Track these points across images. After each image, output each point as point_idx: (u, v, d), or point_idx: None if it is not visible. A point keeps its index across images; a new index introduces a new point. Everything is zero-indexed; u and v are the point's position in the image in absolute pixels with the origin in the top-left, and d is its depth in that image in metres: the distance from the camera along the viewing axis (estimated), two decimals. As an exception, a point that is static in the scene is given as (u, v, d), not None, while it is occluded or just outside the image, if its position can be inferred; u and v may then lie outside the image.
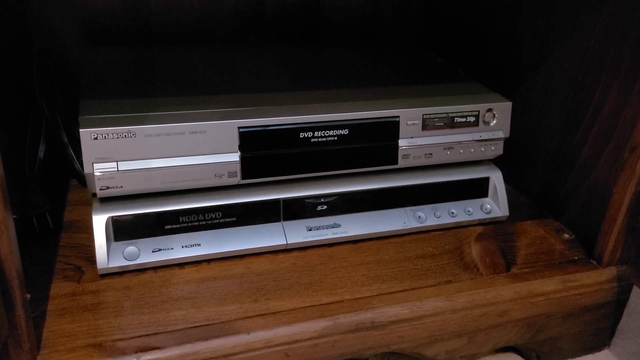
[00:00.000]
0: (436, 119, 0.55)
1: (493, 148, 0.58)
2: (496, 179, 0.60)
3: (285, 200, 0.53)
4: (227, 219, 0.51)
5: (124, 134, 0.46)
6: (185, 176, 0.48)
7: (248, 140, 0.49)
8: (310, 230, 0.54)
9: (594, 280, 0.54)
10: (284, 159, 0.51)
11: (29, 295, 0.39)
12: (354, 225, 0.55)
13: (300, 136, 0.51)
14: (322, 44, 0.77)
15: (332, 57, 0.69)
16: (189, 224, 0.50)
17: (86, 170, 0.46)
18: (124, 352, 0.41)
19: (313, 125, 0.51)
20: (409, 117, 0.54)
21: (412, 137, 0.54)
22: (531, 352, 0.56)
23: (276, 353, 0.45)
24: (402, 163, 0.55)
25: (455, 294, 0.50)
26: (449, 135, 0.56)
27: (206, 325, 0.44)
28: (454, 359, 0.53)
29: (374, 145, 0.54)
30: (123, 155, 0.46)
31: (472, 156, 0.57)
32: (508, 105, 0.57)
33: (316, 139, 0.51)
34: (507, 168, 0.62)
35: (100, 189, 0.46)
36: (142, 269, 0.49)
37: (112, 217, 0.48)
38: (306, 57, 0.68)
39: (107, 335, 0.43)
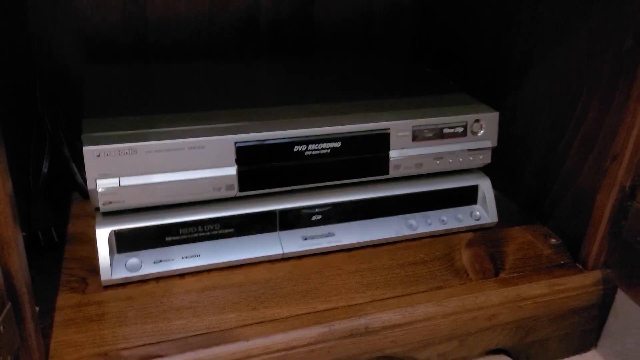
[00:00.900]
0: (425, 131, 0.57)
1: (481, 157, 0.60)
2: (485, 186, 0.62)
3: (281, 211, 0.55)
4: (226, 230, 0.53)
5: (125, 151, 0.47)
6: (185, 190, 0.50)
7: (244, 155, 0.51)
8: (305, 239, 0.56)
9: (579, 284, 0.56)
10: (280, 172, 0.53)
11: (37, 308, 0.41)
12: (347, 234, 0.57)
13: (295, 150, 0.53)
14: (315, 56, 0.79)
15: (324, 70, 0.71)
16: (189, 236, 0.52)
17: (89, 186, 0.48)
18: (128, 361, 0.43)
19: (307, 139, 0.53)
20: (399, 129, 0.56)
21: (402, 148, 0.57)
22: (520, 354, 0.58)
23: (274, 359, 0.47)
24: (393, 173, 0.57)
25: (446, 299, 0.52)
26: (439, 145, 0.58)
27: (207, 333, 0.46)
28: (446, 361, 0.55)
29: (366, 157, 0.56)
30: (125, 171, 0.48)
31: (461, 165, 0.60)
32: (495, 115, 0.59)
33: (310, 152, 0.53)
34: (497, 175, 0.64)
35: (103, 204, 0.48)
36: (144, 280, 0.51)
37: (115, 230, 0.50)
38: (299, 70, 0.70)
39: (112, 345, 0.45)
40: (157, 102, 0.57)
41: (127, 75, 0.65)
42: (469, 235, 0.61)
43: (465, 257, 0.58)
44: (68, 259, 0.54)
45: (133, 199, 0.49)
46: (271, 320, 0.48)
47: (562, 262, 0.59)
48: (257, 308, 0.49)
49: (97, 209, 0.50)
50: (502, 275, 0.56)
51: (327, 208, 0.56)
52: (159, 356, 0.44)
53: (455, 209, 0.61)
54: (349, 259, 0.57)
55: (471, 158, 0.60)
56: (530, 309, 0.55)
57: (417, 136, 0.57)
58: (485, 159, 0.60)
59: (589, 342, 0.60)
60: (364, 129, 0.55)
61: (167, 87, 0.62)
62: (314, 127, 0.53)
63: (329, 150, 0.54)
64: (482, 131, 0.59)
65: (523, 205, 0.68)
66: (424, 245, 0.59)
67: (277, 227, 0.55)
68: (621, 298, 0.58)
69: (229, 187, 0.52)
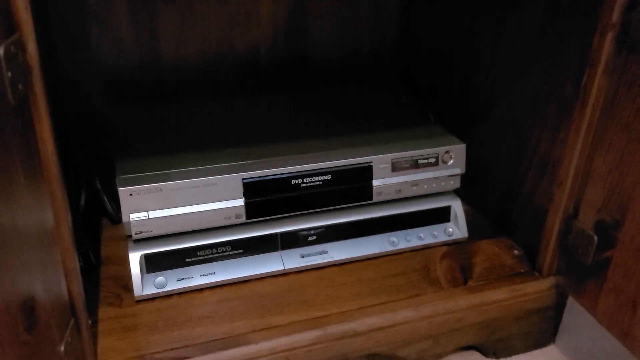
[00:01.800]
0: (403, 162, 0.67)
1: (452, 182, 0.70)
2: (456, 206, 0.72)
3: (282, 234, 0.65)
4: (236, 251, 0.64)
5: (152, 190, 0.58)
6: (201, 219, 0.61)
7: (250, 189, 0.61)
8: (303, 257, 0.66)
9: (536, 289, 0.66)
10: (280, 202, 0.63)
11: (90, 321, 0.51)
12: (339, 251, 0.67)
13: (292, 183, 0.63)
14: (308, 91, 0.88)
15: (316, 106, 0.80)
16: (205, 257, 0.63)
17: (124, 219, 0.58)
18: (161, 362, 0.53)
19: (302, 173, 0.63)
20: (380, 162, 0.66)
21: (383, 178, 0.67)
22: (488, 349, 0.68)
23: (279, 359, 0.57)
24: (376, 198, 0.67)
25: (422, 305, 0.62)
26: (414, 174, 0.68)
27: (223, 338, 0.57)
28: (424, 357, 0.65)
29: (353, 186, 0.66)
30: (152, 206, 0.58)
31: (434, 189, 0.70)
32: (462, 147, 0.69)
33: (305, 184, 0.63)
34: (470, 194, 0.74)
35: (135, 234, 0.59)
36: (169, 295, 0.62)
37: (144, 254, 0.60)
38: (294, 107, 0.80)
39: (146, 349, 0.55)
40: (175, 142, 0.67)
41: (147, 117, 0.75)
42: (444, 249, 0.71)
43: (439, 268, 0.68)
44: (104, 278, 0.64)
45: (159, 228, 0.60)
46: (275, 326, 0.58)
47: (522, 270, 0.69)
48: (264, 316, 0.60)
49: (130, 236, 0.60)
50: (470, 283, 0.66)
51: (320, 230, 0.66)
52: (186, 357, 0.54)
53: (431, 227, 0.71)
54: (341, 273, 0.67)
55: (443, 183, 0.70)
56: (494, 311, 0.65)
57: (395, 167, 0.67)
58: (455, 183, 0.70)
59: (547, 338, 0.70)
60: (350, 163, 0.65)
61: (183, 127, 0.72)
62: (307, 164, 0.63)
63: (321, 182, 0.64)
64: (451, 161, 0.69)
65: (493, 220, 0.78)
66: (404, 259, 0.69)
67: (279, 247, 0.65)
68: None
69: (238, 216, 0.62)
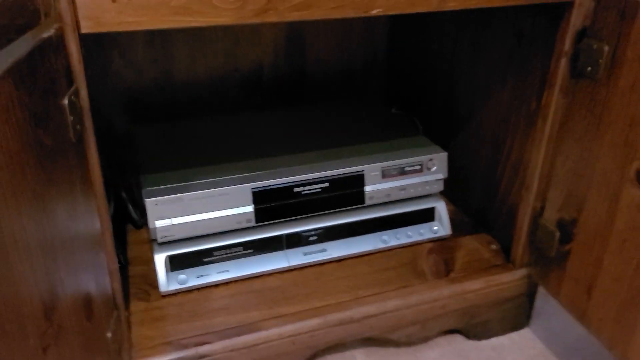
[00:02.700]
0: (391, 169, 0.76)
1: (436, 186, 0.80)
2: (440, 207, 0.81)
3: (287, 235, 0.74)
4: (247, 251, 0.73)
5: (175, 200, 0.67)
6: (217, 224, 0.70)
7: (258, 197, 0.71)
8: (305, 254, 0.75)
9: (510, 279, 0.76)
10: (285, 207, 0.73)
11: (127, 313, 0.60)
12: (337, 249, 0.77)
13: (295, 190, 0.72)
14: (306, 105, 0.97)
15: (314, 119, 0.89)
16: (220, 256, 0.72)
17: (150, 225, 0.67)
18: (186, 347, 0.63)
19: (303, 182, 0.72)
20: (371, 170, 0.75)
21: (374, 184, 0.76)
22: (469, 332, 0.78)
23: (286, 343, 0.67)
24: (368, 202, 0.77)
25: (409, 295, 0.72)
26: (402, 180, 0.77)
27: (238, 326, 0.66)
28: (412, 340, 0.74)
29: (348, 192, 0.75)
30: (175, 214, 0.68)
31: (420, 193, 0.79)
32: (444, 155, 0.79)
33: (306, 191, 0.73)
34: (454, 195, 0.83)
35: (160, 238, 0.68)
36: (190, 290, 0.71)
37: (168, 255, 0.70)
38: (294, 121, 0.89)
39: (173, 336, 0.64)
40: (191, 156, 0.76)
41: (165, 134, 0.84)
42: (429, 245, 0.80)
43: (425, 262, 0.77)
44: (132, 277, 0.74)
45: (181, 233, 0.69)
46: (282, 315, 0.68)
47: (498, 263, 0.78)
48: (272, 307, 0.69)
49: (154, 240, 0.69)
50: (452, 275, 0.76)
51: (320, 231, 0.76)
52: (207, 342, 0.64)
53: (418, 226, 0.81)
54: (338, 268, 0.76)
55: (428, 187, 0.79)
56: (473, 299, 0.74)
57: (385, 174, 0.76)
58: (438, 187, 0.80)
59: (522, 322, 0.80)
60: (345, 172, 0.74)
61: (197, 142, 0.82)
62: (308, 173, 0.72)
63: (320, 189, 0.73)
64: (435, 167, 0.79)
65: (473, 218, 0.87)
66: (394, 255, 0.79)
67: (284, 246, 0.75)
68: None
69: (248, 220, 0.71)
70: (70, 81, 0.45)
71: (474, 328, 0.77)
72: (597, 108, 0.60)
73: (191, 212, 0.69)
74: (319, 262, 0.76)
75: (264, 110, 0.94)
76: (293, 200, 0.73)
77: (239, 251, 0.73)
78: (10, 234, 0.31)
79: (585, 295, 0.65)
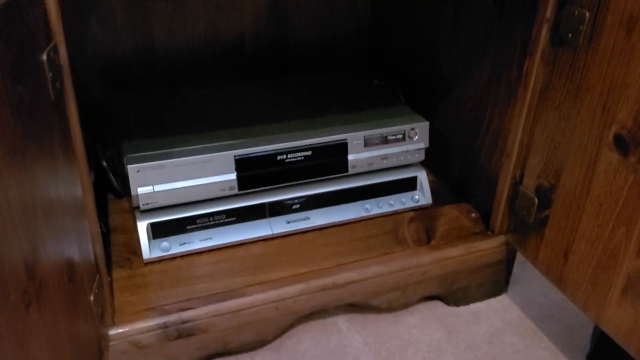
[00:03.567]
0: (374, 138, 0.77)
1: (417, 155, 0.80)
2: (422, 176, 0.82)
3: (270, 203, 0.74)
4: (230, 219, 0.73)
5: (157, 167, 0.67)
6: (199, 192, 0.70)
7: (241, 164, 0.70)
8: (288, 222, 0.76)
9: (488, 246, 0.77)
10: (268, 175, 0.73)
11: (109, 279, 0.60)
12: (319, 217, 0.77)
13: (278, 158, 0.72)
14: (289, 76, 0.97)
15: (297, 89, 0.89)
16: (203, 224, 0.72)
17: (132, 192, 0.67)
18: (170, 312, 0.63)
19: (286, 149, 0.72)
20: (354, 138, 0.75)
21: (357, 153, 0.76)
22: (449, 299, 0.79)
23: (270, 308, 0.67)
24: (351, 171, 0.77)
25: (391, 262, 0.73)
26: (384, 149, 0.78)
27: (222, 292, 0.66)
28: (393, 306, 0.76)
29: (330, 160, 0.75)
30: (157, 181, 0.67)
31: (402, 162, 0.80)
32: (426, 124, 0.79)
33: (289, 159, 0.73)
34: (435, 165, 0.84)
35: (142, 205, 0.68)
36: (173, 257, 0.71)
37: (151, 222, 0.69)
38: (277, 91, 0.89)
39: (157, 302, 0.64)
40: (173, 124, 0.76)
41: (146, 102, 0.83)
42: (411, 214, 0.81)
43: (406, 230, 0.78)
44: (114, 245, 0.73)
45: (163, 200, 0.69)
46: (266, 282, 0.68)
47: (478, 230, 0.79)
48: (256, 273, 0.70)
49: (137, 207, 0.69)
50: (433, 242, 0.77)
51: (303, 199, 0.76)
52: (190, 308, 0.64)
53: (400, 195, 0.81)
54: (321, 236, 0.77)
55: (409, 156, 0.80)
56: (453, 265, 0.76)
57: (367, 143, 0.77)
58: (420, 156, 0.80)
59: (500, 288, 0.82)
60: (328, 140, 0.74)
61: (179, 110, 0.81)
62: (291, 141, 0.72)
63: (303, 157, 0.73)
64: (416, 136, 0.79)
65: (454, 187, 0.88)
66: (376, 223, 0.80)
67: (267, 214, 0.75)
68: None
69: (231, 188, 0.71)
70: (49, 37, 0.44)
71: (454, 294, 0.79)
72: (576, 75, 0.61)
73: (173, 179, 0.68)
74: (302, 230, 0.76)
75: (247, 80, 0.93)
76: (276, 168, 0.73)
77: (222, 219, 0.73)
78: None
79: (561, 259, 0.67)
